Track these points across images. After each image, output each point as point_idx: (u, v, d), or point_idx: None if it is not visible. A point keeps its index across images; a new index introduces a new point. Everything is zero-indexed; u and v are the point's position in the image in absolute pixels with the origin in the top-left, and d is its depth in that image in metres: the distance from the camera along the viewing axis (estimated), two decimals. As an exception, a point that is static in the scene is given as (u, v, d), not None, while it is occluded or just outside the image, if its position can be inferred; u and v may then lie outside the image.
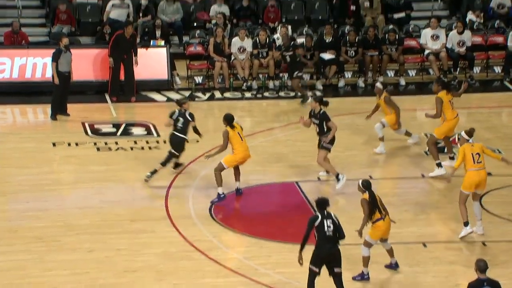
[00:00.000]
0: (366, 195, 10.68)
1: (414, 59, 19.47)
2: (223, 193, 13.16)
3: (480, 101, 17.84)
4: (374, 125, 15.07)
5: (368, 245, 10.75)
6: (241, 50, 18.75)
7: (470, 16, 20.14)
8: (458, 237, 11.80)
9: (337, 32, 19.68)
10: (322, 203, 10.16)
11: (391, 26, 19.72)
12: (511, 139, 15.59)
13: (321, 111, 13.46)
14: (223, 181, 13.10)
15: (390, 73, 19.40)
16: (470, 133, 12.10)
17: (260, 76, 19.05)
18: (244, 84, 18.72)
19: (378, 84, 15.11)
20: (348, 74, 19.29)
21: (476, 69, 19.32)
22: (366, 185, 10.72)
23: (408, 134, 15.33)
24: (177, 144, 13.89)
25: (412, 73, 19.50)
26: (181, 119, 13.88)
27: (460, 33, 18.95)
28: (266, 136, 15.57)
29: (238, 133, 13.23)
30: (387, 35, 19.22)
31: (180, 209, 13.04)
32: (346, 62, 19.01)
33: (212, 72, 18.88)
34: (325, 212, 10.11)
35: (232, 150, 13.18)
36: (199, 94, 18.63)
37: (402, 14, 20.28)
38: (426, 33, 19.15)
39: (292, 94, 18.55)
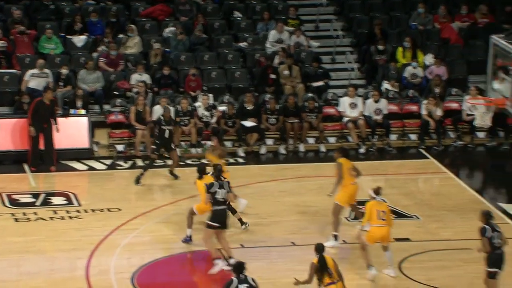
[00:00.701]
0: (316, 259, 11.06)
1: (333, 127, 19.86)
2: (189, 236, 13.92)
3: (397, 168, 18.24)
4: (296, 191, 15.22)
5: None
6: (163, 119, 18.85)
7: (386, 85, 20.74)
8: None
9: (258, 100, 19.97)
10: (239, 267, 10.40)
11: (310, 94, 20.12)
12: (427, 205, 15.91)
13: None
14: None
15: (311, 140, 19.71)
16: (377, 191, 12.89)
17: (182, 143, 19.09)
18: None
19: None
20: (269, 141, 19.52)
21: (393, 137, 19.80)
22: (318, 249, 11.16)
23: None
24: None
25: (332, 140, 19.87)
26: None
27: (376, 101, 19.51)
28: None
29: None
30: (306, 103, 19.60)
31: (101, 280, 12.81)
32: (267, 130, 19.26)
33: (134, 140, 18.83)
34: (242, 276, 10.31)
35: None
36: (121, 163, 18.52)
37: (320, 83, 20.74)
38: (344, 101, 19.61)
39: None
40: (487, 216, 11.76)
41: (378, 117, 19.38)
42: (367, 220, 12.77)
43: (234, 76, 20.98)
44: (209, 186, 13.07)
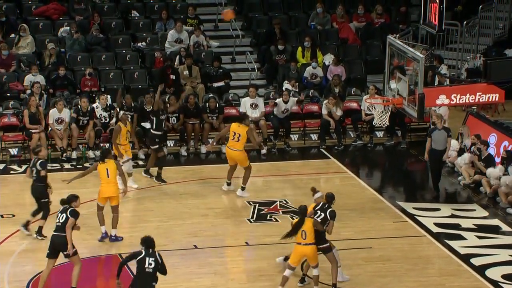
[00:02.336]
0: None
1: (234, 127, 19.68)
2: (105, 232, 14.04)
3: (299, 168, 18.24)
4: (198, 193, 15.03)
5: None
6: (58, 121, 18.28)
7: (286, 85, 20.72)
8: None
9: (157, 101, 19.59)
10: (148, 242, 11.00)
11: (211, 95, 19.91)
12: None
13: None
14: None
15: (212, 142, 19.49)
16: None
17: (80, 146, 18.56)
18: (64, 155, 18.22)
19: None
20: (170, 143, 19.19)
21: (294, 137, 19.80)
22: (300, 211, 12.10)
23: None
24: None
25: (233, 141, 19.67)
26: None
27: (286, 102, 19.37)
28: (88, 207, 15.06)
29: (107, 168, 13.95)
30: (207, 104, 19.38)
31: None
32: (169, 131, 18.91)
33: (29, 143, 18.17)
34: (150, 251, 10.92)
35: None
36: (15, 167, 17.86)
37: (221, 83, 20.55)
38: (246, 102, 19.47)
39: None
40: (329, 199, 12.35)
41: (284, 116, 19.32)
42: None
43: (133, 77, 20.56)
44: None
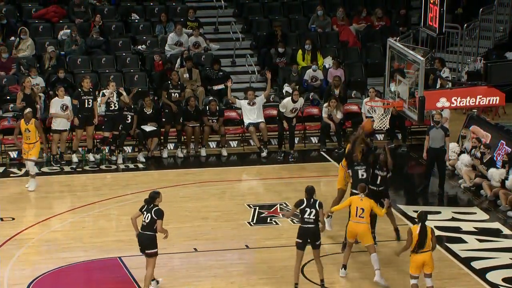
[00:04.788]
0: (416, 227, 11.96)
1: (235, 130, 19.68)
2: None
3: (299, 171, 18.20)
4: (198, 196, 15.00)
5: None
6: (64, 108, 18.20)
7: (287, 88, 20.70)
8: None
9: (158, 103, 19.58)
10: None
11: (211, 97, 19.88)
12: (328, 207, 15.91)
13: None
14: None
15: (212, 144, 19.48)
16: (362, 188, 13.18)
17: (80, 149, 18.53)
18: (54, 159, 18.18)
19: None
20: (170, 146, 19.17)
21: (295, 140, 19.74)
22: (420, 217, 12.01)
23: None
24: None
25: (233, 144, 19.68)
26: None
27: (294, 101, 19.13)
28: (87, 210, 15.05)
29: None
30: (207, 107, 19.34)
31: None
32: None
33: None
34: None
35: None
36: (15, 170, 17.83)
37: (221, 86, 20.52)
38: (244, 105, 19.42)
39: (114, 167, 18.17)
40: (309, 192, 12.62)
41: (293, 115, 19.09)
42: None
43: (133, 79, 20.54)
44: None
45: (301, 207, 12.54)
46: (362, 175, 13.87)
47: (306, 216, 12.48)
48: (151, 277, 12.39)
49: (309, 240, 12.51)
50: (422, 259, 12.00)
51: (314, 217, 12.47)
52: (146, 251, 12.26)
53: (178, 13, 22.65)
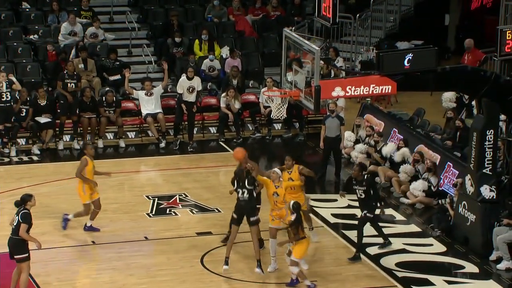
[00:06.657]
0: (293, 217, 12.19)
1: (132, 121, 19.50)
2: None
3: (197, 161, 18.20)
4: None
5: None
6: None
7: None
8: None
9: (52, 94, 19.18)
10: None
11: (107, 88, 19.61)
12: (227, 198, 15.85)
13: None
14: None
15: (110, 136, 19.23)
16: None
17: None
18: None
19: None
20: (66, 137, 18.82)
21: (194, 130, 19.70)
22: (296, 207, 12.26)
23: None
24: None
25: (131, 135, 19.49)
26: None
27: (189, 78, 18.90)
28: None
29: None
30: (104, 97, 19.07)
31: None
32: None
33: None
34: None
35: None
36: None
37: (118, 76, 20.26)
38: (142, 95, 19.27)
39: (7, 159, 17.73)
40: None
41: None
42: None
43: (25, 70, 20.03)
44: None
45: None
46: (361, 195, 13.76)
47: (239, 195, 12.68)
48: (26, 284, 11.63)
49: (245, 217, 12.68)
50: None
51: (248, 195, 12.59)
52: (15, 256, 11.56)
53: (71, 2, 22.20)
